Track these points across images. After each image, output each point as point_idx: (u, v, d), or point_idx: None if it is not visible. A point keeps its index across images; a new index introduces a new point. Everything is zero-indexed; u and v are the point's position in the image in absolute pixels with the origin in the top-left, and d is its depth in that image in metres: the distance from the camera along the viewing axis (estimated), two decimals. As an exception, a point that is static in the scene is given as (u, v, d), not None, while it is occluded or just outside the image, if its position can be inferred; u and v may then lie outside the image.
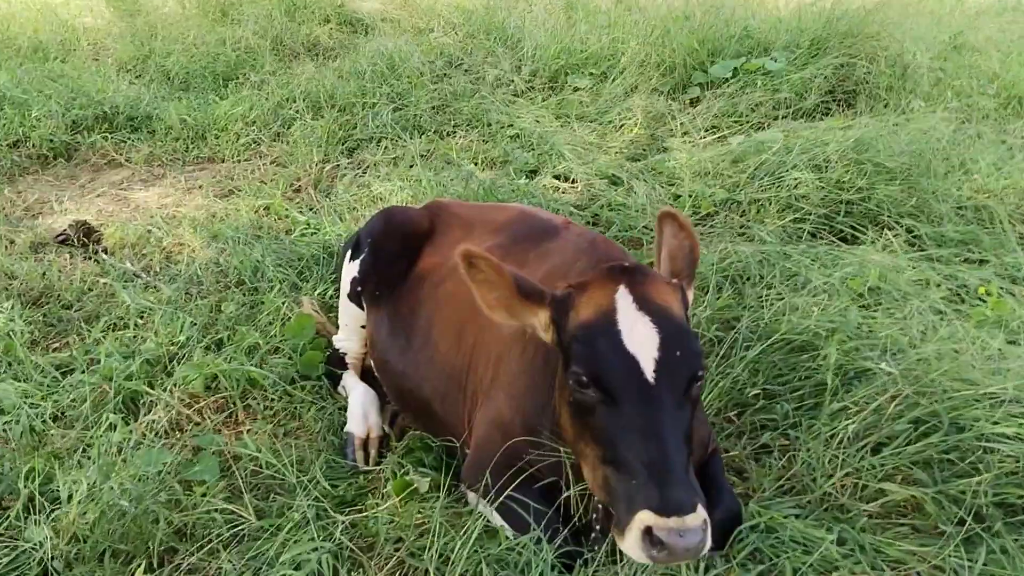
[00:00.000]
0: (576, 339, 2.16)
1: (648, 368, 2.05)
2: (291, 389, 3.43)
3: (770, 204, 4.53)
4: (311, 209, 5.02)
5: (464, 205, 3.70)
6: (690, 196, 4.73)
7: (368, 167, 5.53)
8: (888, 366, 2.91)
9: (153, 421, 3.25)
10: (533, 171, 5.32)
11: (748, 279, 3.94)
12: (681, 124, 5.71)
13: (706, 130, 5.70)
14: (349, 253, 3.53)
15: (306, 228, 4.55)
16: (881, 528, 2.64)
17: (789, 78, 5.92)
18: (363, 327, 3.53)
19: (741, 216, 4.60)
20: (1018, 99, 5.93)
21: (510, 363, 2.81)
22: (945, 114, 5.03)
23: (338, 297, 3.83)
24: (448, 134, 5.94)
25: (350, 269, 3.47)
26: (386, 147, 5.71)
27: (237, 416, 3.36)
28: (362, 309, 3.47)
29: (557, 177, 5.17)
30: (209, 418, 3.33)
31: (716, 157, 5.07)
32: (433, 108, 6.15)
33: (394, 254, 3.41)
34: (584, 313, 2.19)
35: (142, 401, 3.39)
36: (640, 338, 2.08)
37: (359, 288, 3.45)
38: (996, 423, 2.74)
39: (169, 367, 3.56)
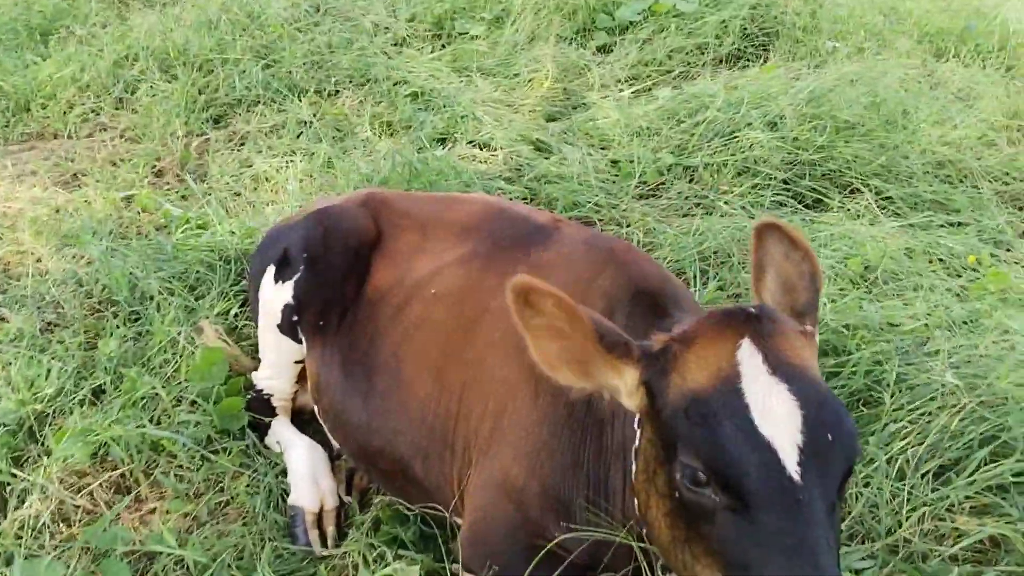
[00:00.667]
0: (686, 415, 1.55)
1: (791, 460, 1.47)
2: (209, 453, 2.67)
3: (726, 168, 4.05)
4: (183, 197, 4.13)
5: (409, 197, 3.00)
6: (632, 162, 4.18)
7: (244, 138, 4.64)
8: (951, 375, 2.49)
9: (29, 517, 2.44)
10: (442, 138, 4.62)
11: (726, 262, 3.46)
12: (599, 76, 5.12)
13: (625, 82, 5.14)
14: (272, 271, 2.76)
15: (186, 226, 3.67)
16: (972, 577, 2.24)
17: (705, 20, 5.43)
18: (297, 362, 2.80)
19: (691, 183, 4.10)
20: (929, 38, 5.71)
21: (518, 411, 2.20)
22: (902, 59, 4.67)
23: (252, 321, 3.06)
24: (331, 94, 5.10)
25: (279, 292, 2.72)
26: (261, 113, 4.82)
27: (141, 494, 2.58)
28: (299, 343, 2.74)
29: (472, 143, 4.49)
30: (104, 502, 2.54)
31: (650, 114, 4.54)
32: (308, 63, 5.27)
33: (339, 269, 2.69)
34: (695, 378, 1.57)
35: (9, 488, 2.55)
36: (778, 417, 1.49)
37: (295, 317, 2.71)
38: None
39: (39, 434, 2.72)
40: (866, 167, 3.95)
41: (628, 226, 3.74)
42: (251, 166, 4.33)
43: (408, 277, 2.64)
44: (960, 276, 3.38)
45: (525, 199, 3.95)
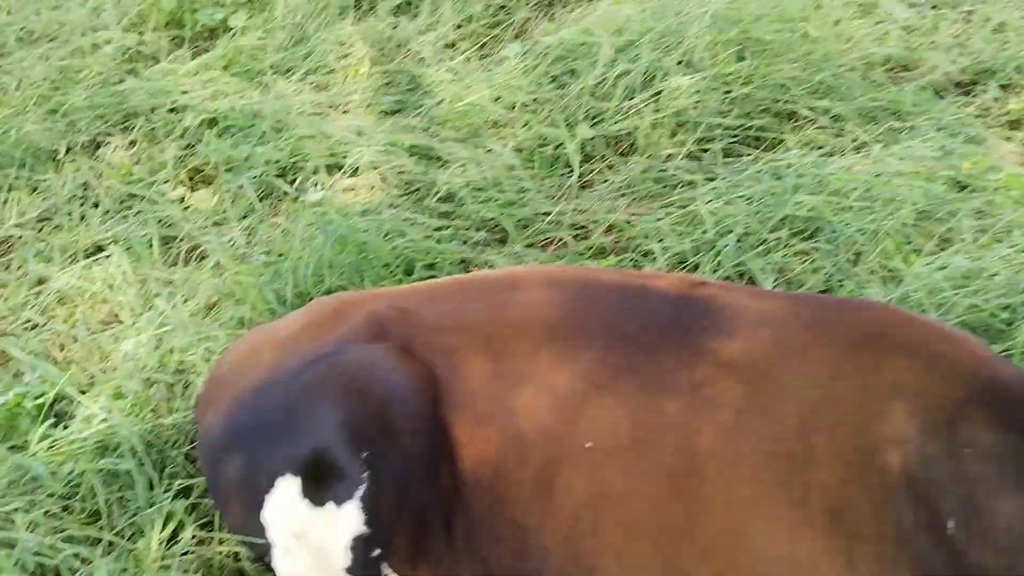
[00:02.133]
0: None
1: None
2: None
3: (656, 129, 3.40)
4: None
5: (425, 298, 2.02)
6: (544, 146, 3.41)
7: (9, 248, 3.23)
8: None
9: None
10: (281, 173, 3.52)
11: (772, 246, 2.83)
12: (426, 47, 4.20)
13: (453, 47, 4.27)
14: (297, 488, 1.72)
15: (37, 425, 2.37)
16: None
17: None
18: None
19: (622, 156, 3.42)
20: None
21: None
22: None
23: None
24: (89, 146, 3.74)
25: (335, 521, 1.71)
26: (15, 200, 3.39)
27: None
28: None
29: (336, 170, 3.45)
30: None
31: (519, 80, 3.75)
32: (39, 115, 3.81)
33: (421, 457, 1.72)
34: None
35: None
36: None
37: (377, 551, 1.72)
38: None
39: None
40: (803, 88, 3.49)
41: (608, 232, 3.01)
42: (43, 282, 3.00)
43: (521, 428, 1.75)
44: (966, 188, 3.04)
45: (456, 233, 3.05)
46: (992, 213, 2.81)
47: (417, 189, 3.30)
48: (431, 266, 2.85)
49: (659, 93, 3.47)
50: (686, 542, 1.59)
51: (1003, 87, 3.46)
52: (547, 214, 3.10)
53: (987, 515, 1.41)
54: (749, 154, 3.32)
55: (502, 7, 4.48)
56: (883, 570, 1.47)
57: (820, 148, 3.29)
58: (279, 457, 1.75)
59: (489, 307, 1.93)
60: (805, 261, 2.79)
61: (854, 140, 3.30)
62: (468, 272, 2.80)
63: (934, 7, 3.95)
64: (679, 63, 3.53)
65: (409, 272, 2.81)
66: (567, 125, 3.45)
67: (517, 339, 1.84)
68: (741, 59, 3.55)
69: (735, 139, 3.40)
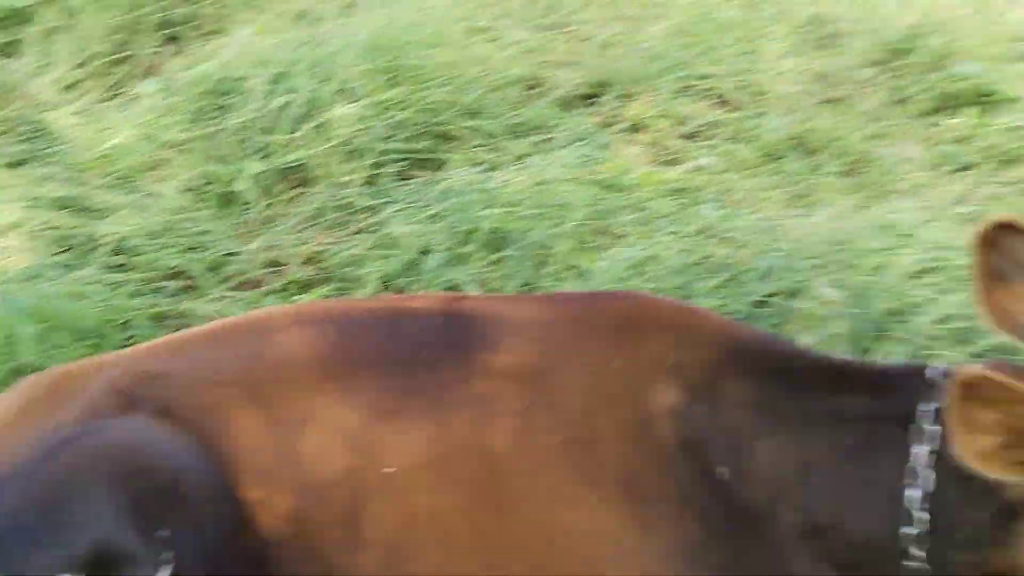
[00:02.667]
0: None
1: None
2: None
3: (328, 159, 3.41)
4: None
5: (171, 356, 1.85)
6: (211, 184, 3.27)
7: None
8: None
9: None
10: None
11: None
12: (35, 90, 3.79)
13: (73, 87, 3.90)
14: None
15: None
16: None
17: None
18: None
19: (300, 187, 3.38)
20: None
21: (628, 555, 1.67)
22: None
23: None
24: None
25: None
26: None
27: None
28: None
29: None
30: None
31: (165, 119, 3.56)
32: None
33: (219, 527, 1.59)
34: None
35: None
36: None
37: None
38: None
39: None
40: (455, 110, 3.73)
41: (306, 264, 2.97)
42: None
43: (313, 473, 1.70)
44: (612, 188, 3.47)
45: (141, 286, 2.81)
46: (639, 207, 3.25)
47: (79, 244, 2.98)
48: (125, 324, 2.60)
49: (323, 123, 3.49)
50: (502, 542, 1.66)
51: (619, 97, 3.99)
52: (236, 254, 2.98)
53: (749, 456, 1.66)
54: (421, 176, 3.47)
55: (124, 43, 4.18)
56: (673, 526, 1.66)
57: (481, 164, 3.53)
58: (46, 561, 1.50)
59: (244, 355, 1.82)
60: (498, 271, 2.99)
61: (510, 154, 3.59)
62: (174, 327, 2.60)
63: (547, 28, 4.42)
64: (338, 91, 3.58)
65: (102, 335, 2.53)
66: (234, 160, 3.33)
67: (286, 383, 1.77)
68: (395, 85, 3.68)
69: (405, 162, 3.52)
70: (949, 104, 3.94)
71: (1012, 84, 3.92)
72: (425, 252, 2.94)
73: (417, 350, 1.81)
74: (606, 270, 2.83)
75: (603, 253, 2.95)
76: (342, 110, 3.50)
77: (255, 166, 3.31)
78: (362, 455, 1.70)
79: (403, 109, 3.63)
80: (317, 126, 3.48)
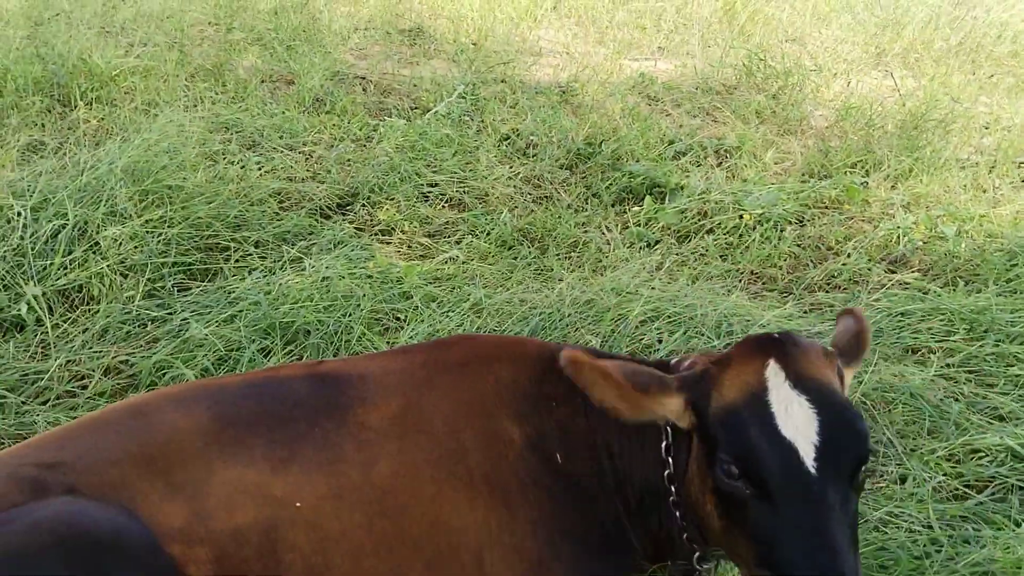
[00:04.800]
0: (722, 424, 1.89)
1: (808, 456, 1.81)
2: None
3: (107, 277, 3.51)
4: None
5: (55, 447, 1.95)
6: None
7: None
8: None
9: None
10: None
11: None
12: None
13: None
14: None
15: None
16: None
17: None
18: None
19: (85, 305, 3.44)
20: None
21: (500, 537, 2.09)
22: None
23: None
24: None
25: None
26: None
27: None
28: None
29: None
30: None
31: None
32: None
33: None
34: (730, 393, 1.90)
35: None
36: (797, 421, 1.85)
37: None
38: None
39: None
40: (220, 224, 3.99)
41: (107, 374, 3.05)
42: None
43: (223, 521, 1.92)
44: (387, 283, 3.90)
45: None
46: (408, 295, 3.69)
47: None
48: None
49: (97, 244, 3.59)
50: (402, 546, 1.97)
51: (367, 204, 4.47)
52: (38, 372, 3.01)
53: (570, 435, 2.14)
54: (200, 285, 3.66)
55: None
56: (529, 506, 2.04)
57: (257, 269, 3.80)
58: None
59: (130, 436, 1.97)
60: (305, 358, 3.26)
61: (281, 259, 3.90)
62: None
63: (284, 149, 4.83)
64: (108, 214, 3.70)
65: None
66: (13, 286, 3.33)
67: (178, 453, 1.93)
68: (161, 205, 3.87)
69: (183, 273, 3.70)
70: (631, 195, 4.88)
71: (673, 176, 4.94)
72: (234, 349, 3.16)
73: (293, 408, 2.10)
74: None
75: (395, 334, 3.37)
76: (114, 230, 3.63)
77: (35, 289, 3.33)
78: (267, 498, 1.96)
79: (172, 226, 3.82)
80: (91, 247, 3.57)
